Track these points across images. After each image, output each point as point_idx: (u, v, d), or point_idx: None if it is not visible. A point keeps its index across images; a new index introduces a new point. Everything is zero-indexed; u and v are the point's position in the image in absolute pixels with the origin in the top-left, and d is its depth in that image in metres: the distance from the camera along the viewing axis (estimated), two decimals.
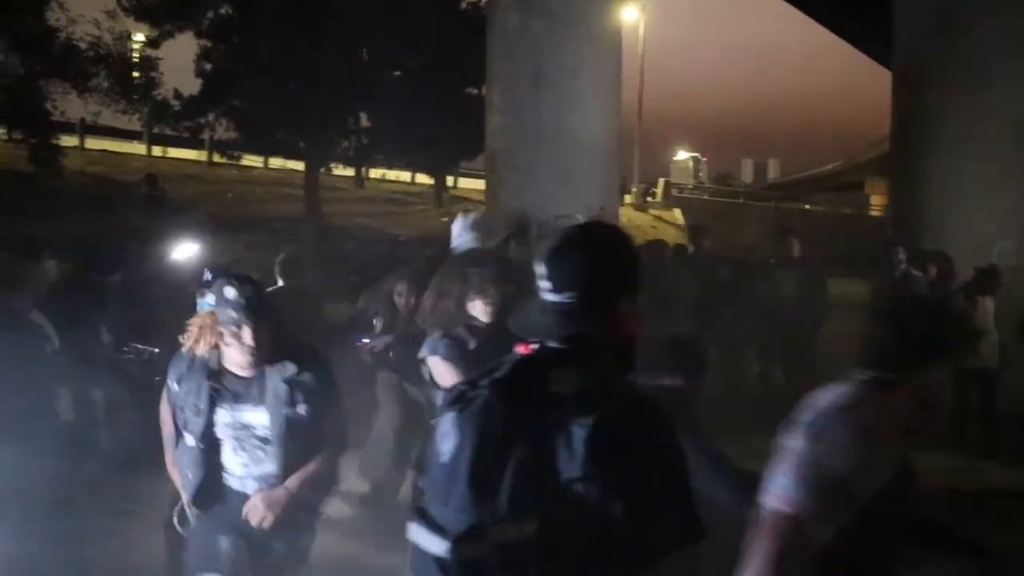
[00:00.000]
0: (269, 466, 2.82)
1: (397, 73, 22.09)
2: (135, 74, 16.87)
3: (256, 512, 2.77)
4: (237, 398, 2.79)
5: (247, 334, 2.70)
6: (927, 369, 1.92)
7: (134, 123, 21.07)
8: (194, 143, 24.20)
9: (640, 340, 1.67)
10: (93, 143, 23.66)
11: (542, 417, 1.49)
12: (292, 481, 2.82)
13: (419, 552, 1.52)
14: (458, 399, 1.57)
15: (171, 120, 19.93)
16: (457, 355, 3.54)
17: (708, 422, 2.79)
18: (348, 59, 19.95)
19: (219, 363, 2.79)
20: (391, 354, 5.18)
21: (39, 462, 3.40)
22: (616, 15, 12.32)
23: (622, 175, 27.90)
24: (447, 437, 1.54)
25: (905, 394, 1.90)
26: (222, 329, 2.72)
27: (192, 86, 19.87)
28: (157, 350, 4.92)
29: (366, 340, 5.41)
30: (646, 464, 1.50)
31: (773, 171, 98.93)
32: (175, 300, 4.33)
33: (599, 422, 1.48)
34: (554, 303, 1.64)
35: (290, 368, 2.79)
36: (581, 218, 10.83)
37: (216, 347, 2.77)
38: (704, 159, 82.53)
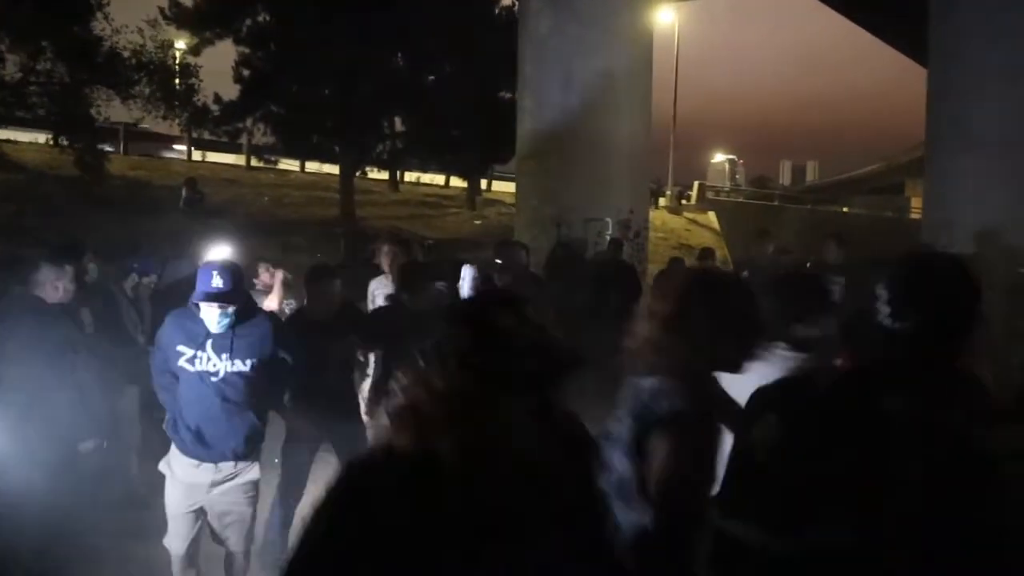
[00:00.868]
0: None
1: (431, 77, 22.31)
2: (176, 81, 17.25)
3: None
4: None
5: None
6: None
7: (175, 128, 21.50)
8: (233, 148, 24.70)
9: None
10: (135, 147, 24.27)
11: (872, 437, 1.53)
12: None
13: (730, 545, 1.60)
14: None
15: (210, 125, 20.39)
16: None
17: None
18: (383, 64, 20.21)
19: None
20: None
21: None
22: (648, 18, 12.30)
23: (657, 178, 27.86)
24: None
25: None
26: None
27: (231, 92, 20.36)
28: None
29: None
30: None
31: (811, 173, 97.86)
32: None
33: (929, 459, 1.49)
34: (890, 327, 1.65)
35: None
36: (611, 221, 10.90)
37: None
38: (741, 162, 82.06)
